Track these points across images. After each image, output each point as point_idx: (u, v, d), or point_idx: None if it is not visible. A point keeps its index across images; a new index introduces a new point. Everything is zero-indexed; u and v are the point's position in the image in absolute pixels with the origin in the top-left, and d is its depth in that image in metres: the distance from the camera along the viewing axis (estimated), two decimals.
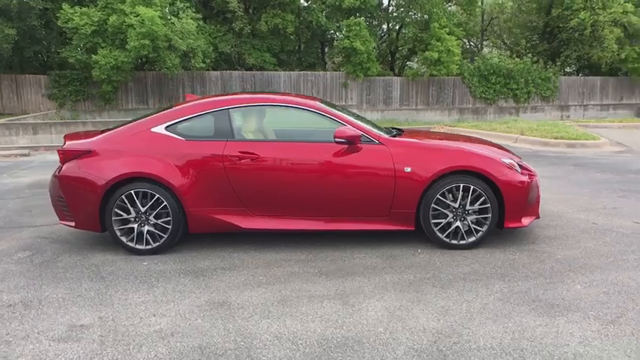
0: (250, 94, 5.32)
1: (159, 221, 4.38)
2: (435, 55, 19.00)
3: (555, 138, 11.19)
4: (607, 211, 5.51)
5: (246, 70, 19.50)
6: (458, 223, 4.32)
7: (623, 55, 20.04)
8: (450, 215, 4.32)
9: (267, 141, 4.58)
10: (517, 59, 20.54)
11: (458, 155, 4.36)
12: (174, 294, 3.60)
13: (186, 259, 4.31)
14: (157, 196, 4.32)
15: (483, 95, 20.77)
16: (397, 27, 21.71)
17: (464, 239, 4.34)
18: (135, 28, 15.57)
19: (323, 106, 4.60)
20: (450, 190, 4.28)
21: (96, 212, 4.40)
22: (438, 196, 4.28)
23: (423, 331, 2.97)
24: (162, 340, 2.95)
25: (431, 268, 3.97)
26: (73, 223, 4.55)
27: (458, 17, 21.13)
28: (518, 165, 4.49)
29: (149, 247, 4.41)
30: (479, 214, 4.31)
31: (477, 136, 10.98)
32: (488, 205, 4.27)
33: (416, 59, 22.46)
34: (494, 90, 20.71)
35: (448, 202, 4.29)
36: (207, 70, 18.60)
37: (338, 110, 4.68)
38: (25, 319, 3.27)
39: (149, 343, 2.92)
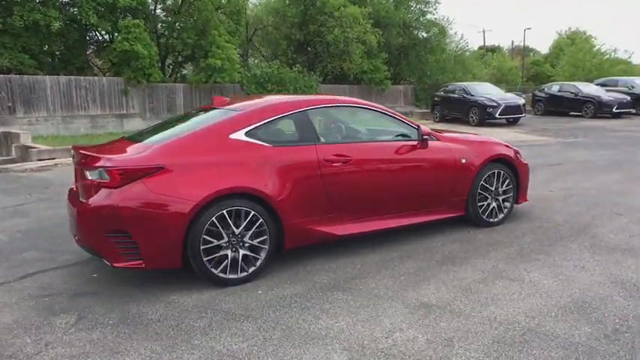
0: (313, 95, 5.02)
1: (254, 242, 3.79)
2: (219, 63, 19.22)
3: None
4: None
5: None
6: (494, 204, 5.09)
7: (365, 68, 24.06)
8: (490, 198, 5.05)
9: (355, 142, 4.44)
10: (287, 68, 22.34)
11: (493, 146, 5.14)
12: (357, 310, 3.31)
13: (295, 279, 3.86)
14: (253, 212, 3.74)
15: None
16: (169, 32, 20.92)
17: (496, 217, 5.13)
18: None
19: (384, 107, 4.73)
20: (489, 176, 5.01)
21: (179, 243, 3.53)
22: (482, 182, 4.95)
23: (601, 283, 3.64)
24: (451, 347, 2.83)
25: (506, 242, 4.61)
26: (141, 263, 3.51)
27: (231, 26, 21.70)
28: None
29: (243, 274, 3.78)
30: (505, 195, 5.17)
31: None
32: (512, 186, 5.18)
33: (188, 65, 22.16)
34: None
35: (488, 186, 5.02)
36: None
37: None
38: None
39: (442, 354, 2.77)
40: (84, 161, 3.70)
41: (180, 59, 21.96)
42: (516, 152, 5.32)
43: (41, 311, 3.40)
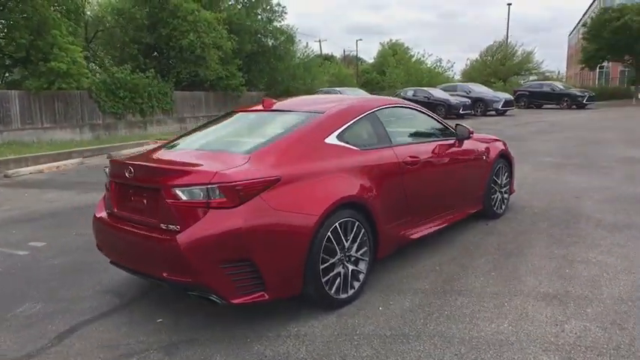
0: (373, 96, 4.64)
1: (358, 254, 3.44)
2: (64, 67, 16.86)
3: None
4: None
5: None
6: (500, 196, 5.40)
7: (221, 74, 23.40)
8: (497, 191, 5.35)
9: (418, 143, 4.26)
10: (141, 74, 20.54)
11: (497, 143, 5.44)
12: (500, 311, 3.24)
13: (398, 290, 3.60)
14: (358, 223, 3.40)
15: (112, 110, 19.80)
16: None
17: (501, 208, 5.45)
18: None
19: (423, 108, 4.70)
20: (497, 170, 5.30)
21: (302, 265, 3.05)
22: (493, 176, 5.23)
23: None
24: (625, 330, 2.94)
25: (530, 230, 4.92)
26: (262, 294, 2.92)
27: (71, 26, 19.13)
28: None
29: (352, 291, 3.41)
30: (505, 187, 5.52)
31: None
32: (509, 179, 5.57)
33: (18, 69, 19.00)
34: (123, 104, 20.10)
35: (497, 179, 5.31)
36: None
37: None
38: None
39: (629, 338, 2.88)
40: (162, 178, 2.92)
41: (7, 62, 18.63)
42: (506, 145, 5.74)
43: None
